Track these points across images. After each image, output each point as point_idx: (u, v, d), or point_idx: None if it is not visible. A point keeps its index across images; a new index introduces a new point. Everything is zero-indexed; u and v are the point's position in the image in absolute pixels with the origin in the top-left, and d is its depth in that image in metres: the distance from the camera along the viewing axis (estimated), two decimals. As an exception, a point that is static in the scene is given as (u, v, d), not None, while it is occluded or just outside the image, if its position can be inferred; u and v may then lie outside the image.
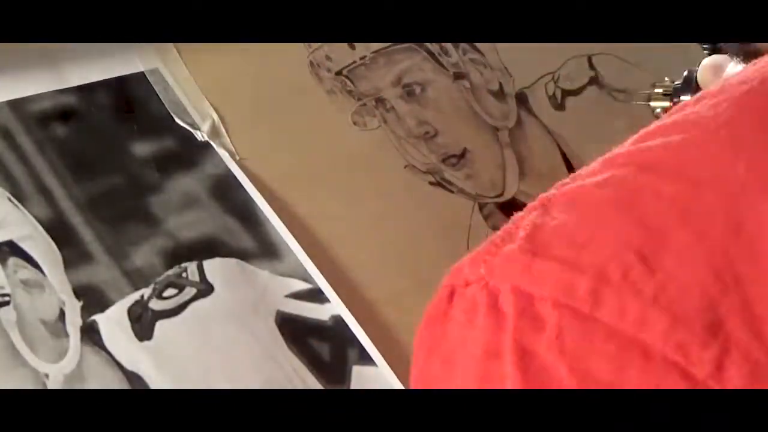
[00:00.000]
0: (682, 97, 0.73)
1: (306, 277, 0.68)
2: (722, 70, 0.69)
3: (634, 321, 0.44)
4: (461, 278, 0.49)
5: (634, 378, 0.44)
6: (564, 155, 0.79)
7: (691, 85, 0.73)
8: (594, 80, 0.78)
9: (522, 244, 0.47)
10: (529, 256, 0.47)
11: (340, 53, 0.80)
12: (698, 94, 0.50)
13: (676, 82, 0.74)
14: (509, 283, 0.47)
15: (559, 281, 0.46)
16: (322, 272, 0.68)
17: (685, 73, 0.74)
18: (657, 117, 0.75)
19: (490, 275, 0.48)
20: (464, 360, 0.49)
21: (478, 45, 0.83)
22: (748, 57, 0.58)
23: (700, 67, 0.70)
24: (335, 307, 0.67)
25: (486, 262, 0.48)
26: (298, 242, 0.69)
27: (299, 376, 0.64)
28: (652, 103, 0.76)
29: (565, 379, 0.45)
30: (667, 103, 0.75)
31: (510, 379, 0.46)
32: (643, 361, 0.44)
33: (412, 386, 0.50)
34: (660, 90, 0.75)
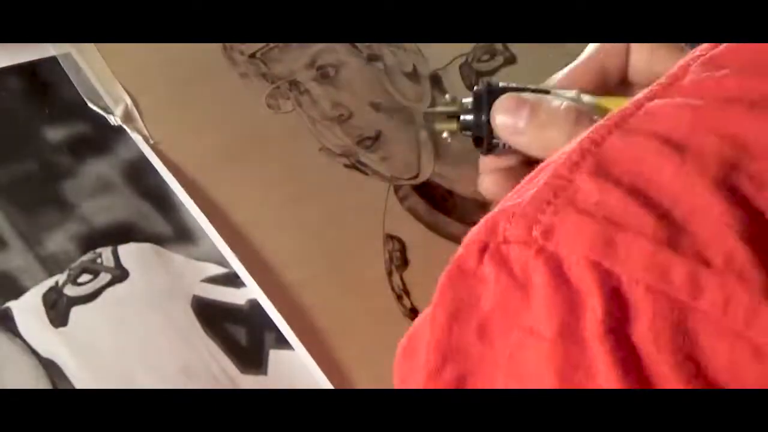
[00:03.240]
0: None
1: (222, 262, 0.68)
2: None
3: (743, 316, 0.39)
4: (498, 234, 0.42)
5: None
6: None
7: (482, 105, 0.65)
8: (509, 61, 0.78)
9: (592, 209, 0.42)
10: (610, 228, 0.41)
11: (253, 36, 0.80)
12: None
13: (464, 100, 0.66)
14: (581, 255, 0.41)
15: (652, 262, 0.40)
16: (237, 256, 0.68)
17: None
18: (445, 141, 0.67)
19: (548, 239, 0.42)
20: (518, 335, 0.42)
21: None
22: None
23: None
24: (251, 291, 0.67)
25: (541, 224, 0.42)
26: (214, 226, 0.68)
27: (216, 361, 0.64)
28: (438, 126, 0.67)
29: (670, 377, 0.40)
30: (453, 125, 0.66)
31: (603, 375, 0.40)
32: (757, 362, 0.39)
33: (427, 353, 0.44)
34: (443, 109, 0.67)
